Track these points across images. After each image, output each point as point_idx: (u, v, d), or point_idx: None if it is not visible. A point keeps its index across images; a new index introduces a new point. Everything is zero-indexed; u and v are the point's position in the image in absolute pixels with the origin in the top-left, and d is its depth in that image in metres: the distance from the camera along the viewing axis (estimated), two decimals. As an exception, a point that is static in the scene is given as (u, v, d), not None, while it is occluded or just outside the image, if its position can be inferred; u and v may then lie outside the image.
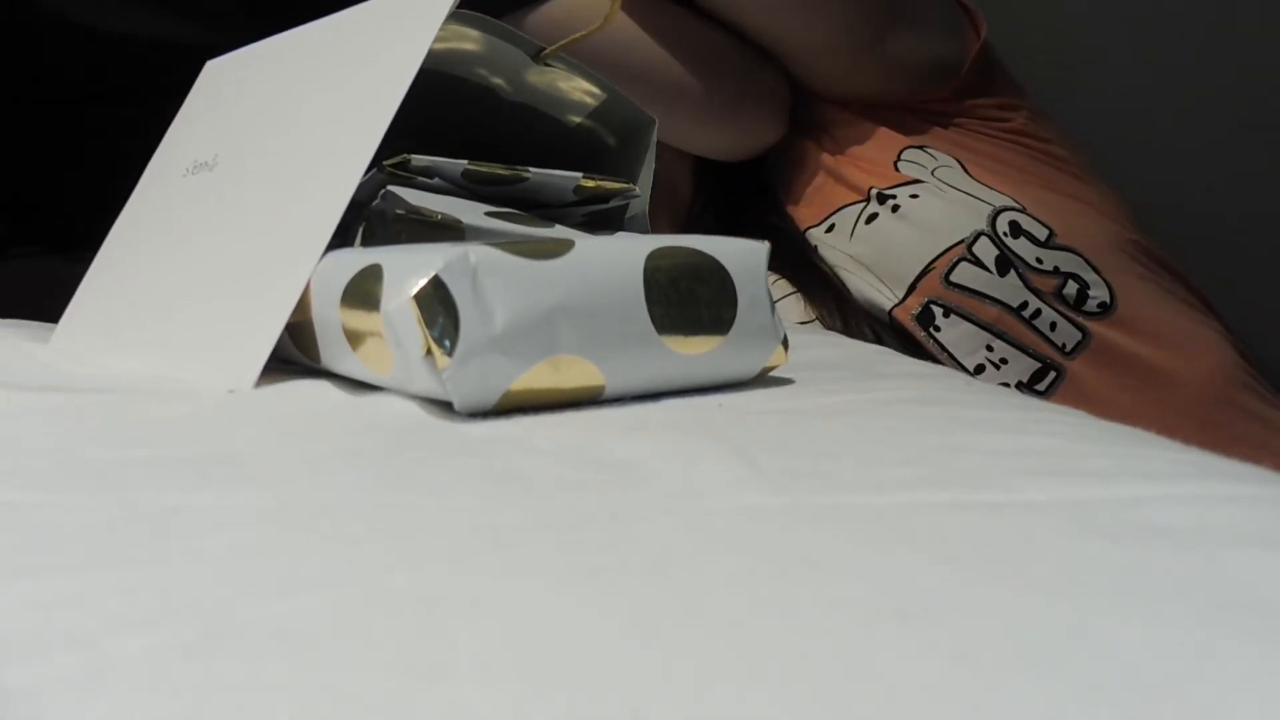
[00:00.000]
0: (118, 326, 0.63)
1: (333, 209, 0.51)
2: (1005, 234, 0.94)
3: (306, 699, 0.21)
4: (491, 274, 0.43)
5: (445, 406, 0.44)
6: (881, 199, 0.96)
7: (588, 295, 0.45)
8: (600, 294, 0.45)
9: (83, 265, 0.70)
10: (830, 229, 0.99)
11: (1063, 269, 0.94)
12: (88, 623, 0.24)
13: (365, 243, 0.56)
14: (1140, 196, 1.09)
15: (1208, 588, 0.25)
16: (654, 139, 0.67)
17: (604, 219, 0.65)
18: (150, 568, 0.27)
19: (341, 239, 0.55)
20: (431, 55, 0.53)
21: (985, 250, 0.92)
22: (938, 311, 0.92)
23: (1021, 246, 0.94)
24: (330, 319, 0.48)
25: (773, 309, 0.51)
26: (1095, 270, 0.94)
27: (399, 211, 0.55)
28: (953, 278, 0.92)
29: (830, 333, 0.96)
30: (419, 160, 0.56)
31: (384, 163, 0.56)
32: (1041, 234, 0.95)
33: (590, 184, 0.61)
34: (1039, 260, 0.94)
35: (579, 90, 0.67)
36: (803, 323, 0.99)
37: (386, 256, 0.45)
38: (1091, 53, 1.35)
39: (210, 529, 0.30)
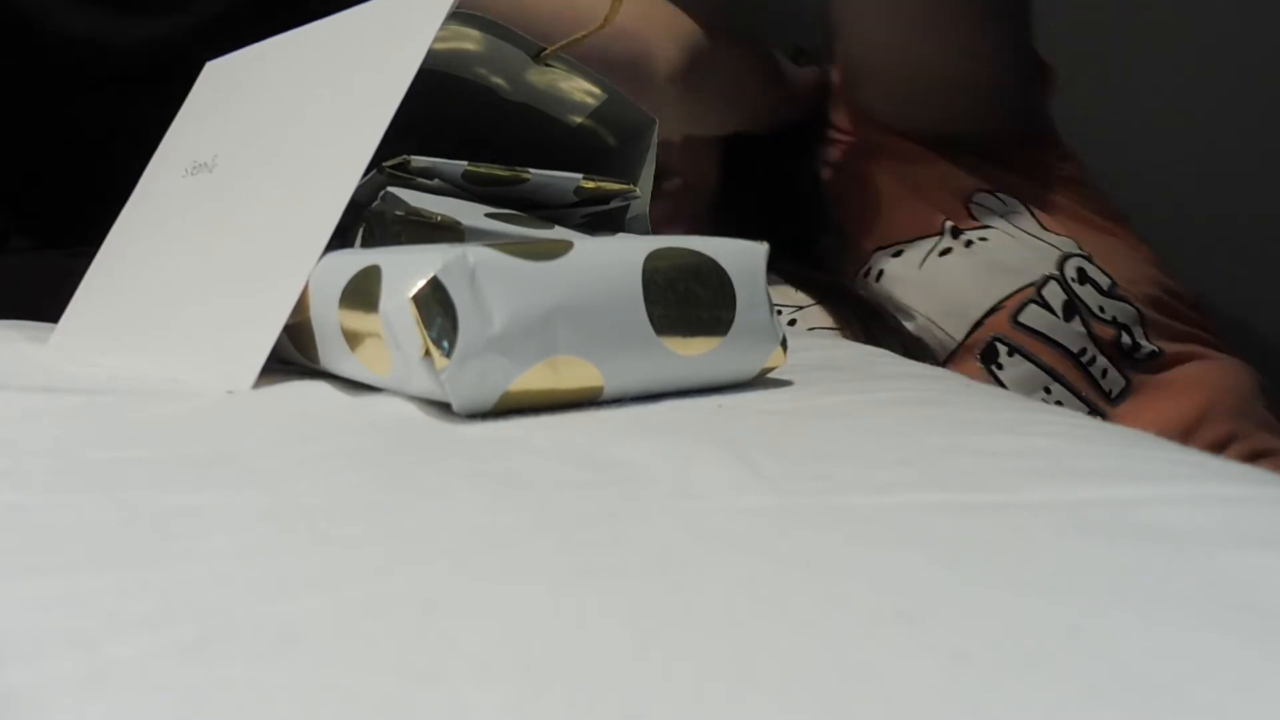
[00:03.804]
0: (116, 327, 0.63)
1: (332, 210, 0.51)
2: (1073, 279, 0.95)
3: (306, 699, 0.21)
4: (490, 275, 0.43)
5: (444, 407, 0.44)
6: (956, 234, 0.97)
7: (586, 296, 0.45)
8: (599, 295, 0.45)
9: (81, 263, 0.70)
10: (898, 254, 0.99)
11: (1120, 320, 0.95)
12: (87, 623, 0.24)
13: (364, 244, 0.56)
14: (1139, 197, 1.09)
15: (1207, 588, 0.25)
16: (654, 139, 0.67)
17: (605, 220, 0.65)
18: (149, 568, 0.27)
19: (341, 240, 0.55)
20: (431, 55, 0.53)
21: (1054, 294, 0.94)
22: (1002, 350, 0.93)
23: (1087, 294, 0.95)
24: (329, 320, 0.48)
25: (772, 310, 0.51)
26: (1145, 323, 0.96)
27: (398, 213, 0.55)
28: (1021, 318, 0.94)
29: (830, 334, 0.96)
30: (418, 161, 0.56)
31: (383, 164, 0.56)
32: (1105, 283, 0.96)
33: (590, 185, 0.61)
34: (1101, 309, 0.95)
35: (579, 90, 0.67)
36: (822, 327, 0.99)
37: (385, 257, 0.45)
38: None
39: (210, 529, 0.30)
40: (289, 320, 0.49)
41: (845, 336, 0.96)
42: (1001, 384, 0.93)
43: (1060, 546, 0.28)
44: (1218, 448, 0.91)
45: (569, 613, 0.25)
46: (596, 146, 0.70)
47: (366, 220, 0.56)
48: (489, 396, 0.43)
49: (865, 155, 1.06)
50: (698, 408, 0.47)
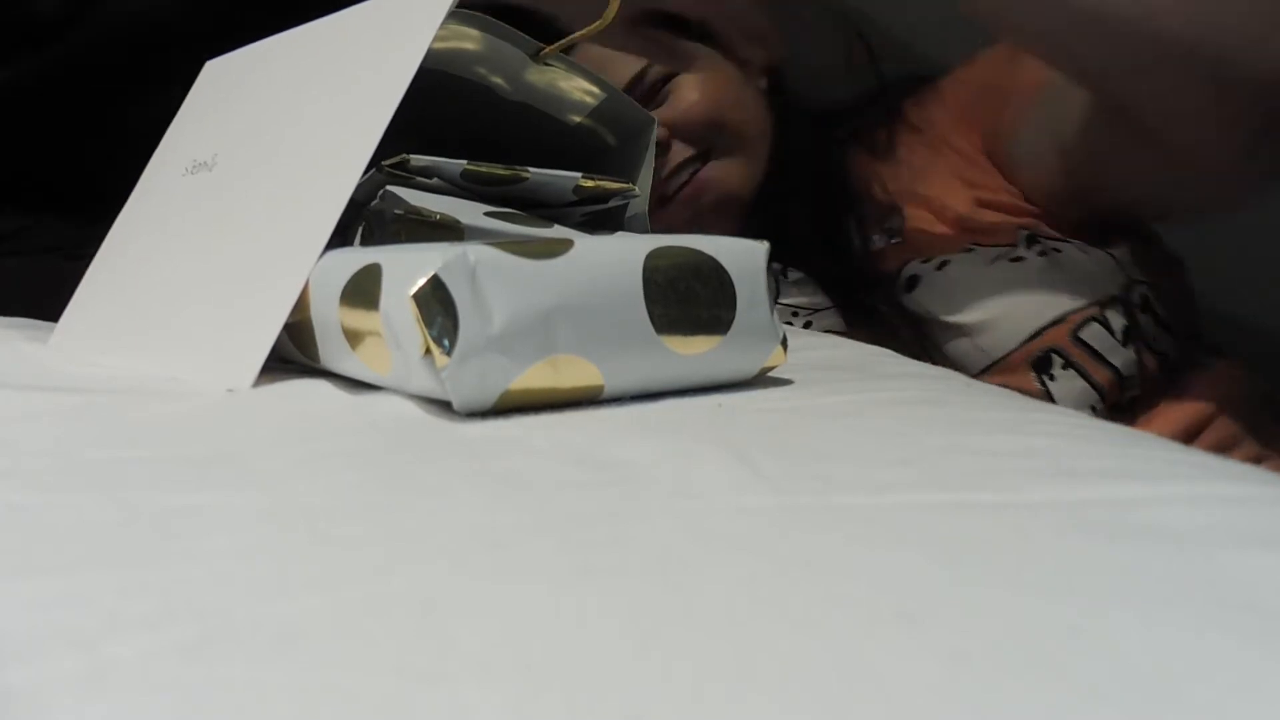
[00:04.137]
0: (116, 326, 0.63)
1: (332, 208, 0.51)
2: (1137, 306, 0.95)
3: (306, 699, 0.21)
4: (490, 273, 0.43)
5: (444, 406, 0.44)
6: (1031, 242, 0.97)
7: (587, 295, 0.45)
8: (599, 293, 0.45)
9: (81, 265, 0.70)
10: (943, 265, 0.98)
11: (1168, 355, 0.96)
12: (87, 623, 0.24)
13: (364, 242, 0.56)
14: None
15: (1207, 588, 0.25)
16: (653, 138, 0.67)
17: (604, 219, 0.65)
18: (149, 568, 0.27)
19: (340, 239, 0.55)
20: (431, 54, 0.53)
21: (1116, 317, 0.94)
22: (1057, 361, 0.93)
23: (1146, 322, 0.96)
24: (329, 318, 0.48)
25: (772, 309, 0.51)
26: (1184, 360, 0.97)
27: (398, 211, 0.55)
28: (1081, 334, 0.94)
29: (830, 334, 0.96)
30: (418, 160, 0.56)
31: (383, 163, 0.56)
32: (1163, 315, 0.97)
33: (590, 184, 0.61)
34: (1155, 340, 0.96)
35: (578, 89, 0.67)
36: (835, 332, 0.99)
37: (386, 256, 0.45)
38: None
39: (209, 529, 0.30)
40: (289, 319, 0.49)
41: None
42: (1050, 396, 0.93)
43: (1060, 546, 0.28)
44: (1220, 449, 0.91)
45: (569, 613, 0.25)
46: (596, 145, 0.70)
47: (366, 219, 0.56)
48: (489, 395, 0.43)
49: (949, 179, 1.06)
50: (698, 407, 0.47)
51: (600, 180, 0.61)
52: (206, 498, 0.33)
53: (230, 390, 0.48)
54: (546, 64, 0.64)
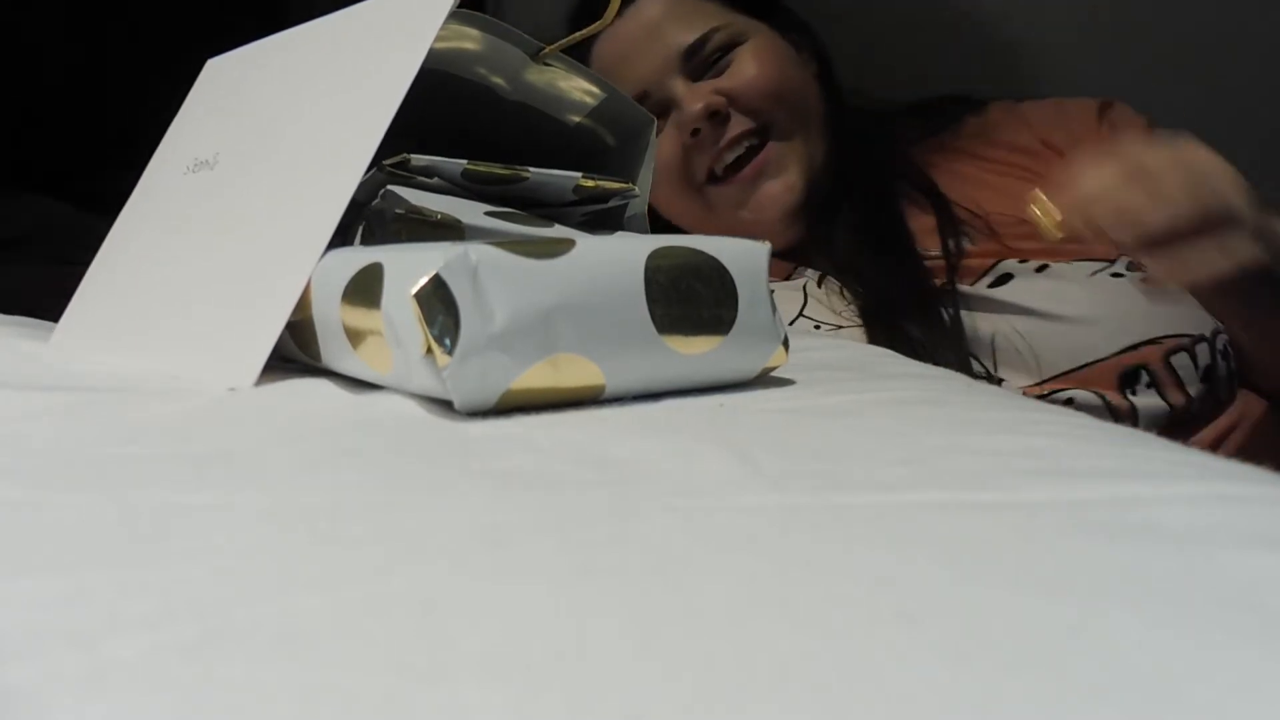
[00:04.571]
0: (118, 325, 0.63)
1: (333, 208, 0.51)
2: (1220, 351, 0.97)
3: (306, 699, 0.21)
4: (492, 273, 0.43)
5: (445, 405, 0.44)
6: (1130, 267, 0.98)
7: (588, 294, 0.45)
8: (600, 293, 0.45)
9: (82, 269, 0.70)
10: (1042, 268, 0.98)
11: (1224, 404, 0.98)
12: (87, 622, 0.24)
13: (364, 242, 0.56)
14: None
15: (1208, 588, 0.25)
16: (653, 138, 0.67)
17: (603, 219, 0.65)
18: (150, 567, 0.27)
19: (341, 238, 0.55)
20: (432, 54, 0.53)
21: (1203, 355, 0.96)
22: (1144, 378, 0.94)
23: (1222, 369, 0.97)
24: (331, 317, 0.48)
25: (774, 309, 0.51)
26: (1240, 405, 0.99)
27: (398, 211, 0.55)
28: (1172, 359, 0.95)
29: (832, 335, 0.96)
30: (418, 160, 0.56)
31: (384, 162, 0.56)
32: (1234, 368, 0.99)
33: (589, 184, 0.61)
34: (1224, 389, 0.98)
35: (578, 89, 0.67)
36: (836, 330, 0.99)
37: (387, 255, 0.45)
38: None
39: (210, 528, 0.30)
40: (291, 318, 0.49)
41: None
42: (1134, 410, 0.94)
43: (1060, 546, 0.28)
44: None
45: (569, 613, 0.25)
46: (595, 145, 0.70)
47: (367, 218, 0.56)
48: (490, 394, 0.43)
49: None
50: (699, 407, 0.47)
51: (600, 180, 0.61)
52: (207, 497, 0.33)
53: (232, 389, 0.48)
54: (546, 64, 0.64)
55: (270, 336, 0.49)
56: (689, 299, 0.48)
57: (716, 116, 1.03)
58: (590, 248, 0.46)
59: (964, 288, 0.99)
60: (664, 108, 1.05)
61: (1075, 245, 0.99)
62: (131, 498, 0.33)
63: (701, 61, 1.04)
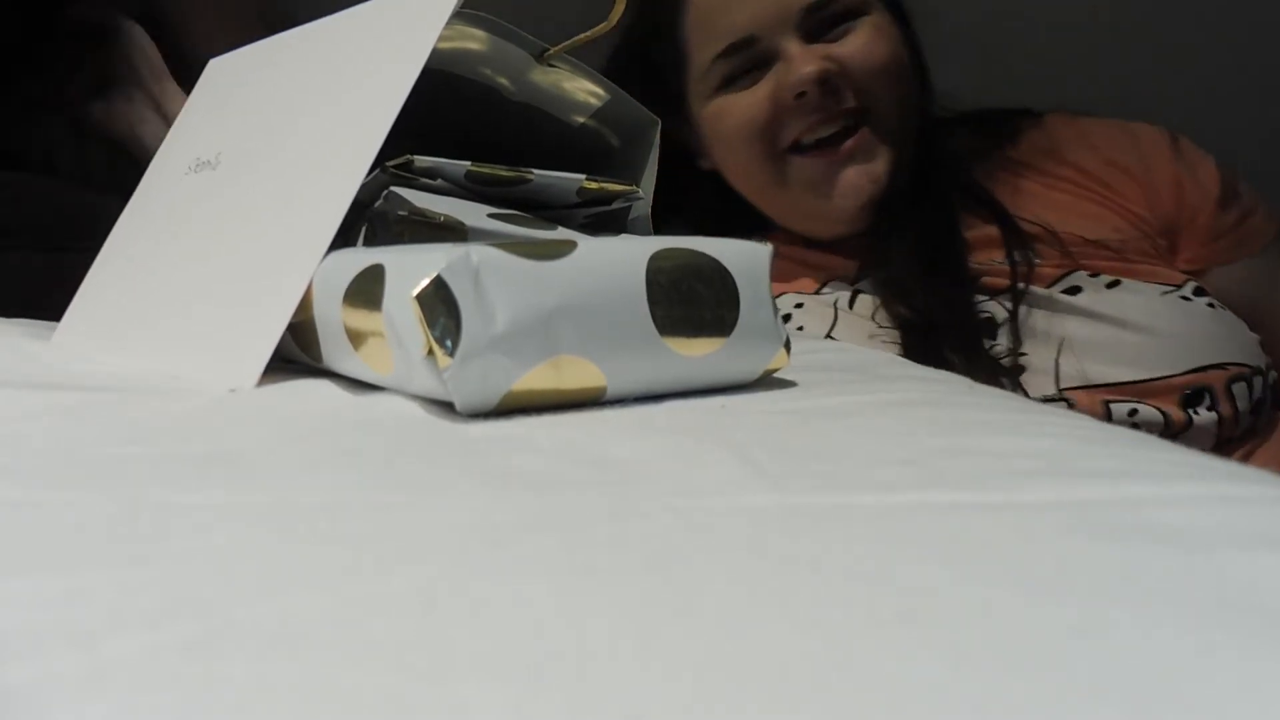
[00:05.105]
0: (119, 325, 0.63)
1: (336, 209, 0.51)
2: (1270, 385, 0.99)
3: (306, 698, 0.21)
4: (493, 274, 0.43)
5: (446, 406, 0.44)
6: (1200, 293, 0.99)
7: (589, 296, 0.45)
8: (602, 295, 0.45)
9: (86, 259, 0.70)
10: (1114, 284, 0.98)
11: (1261, 439, 0.99)
12: (88, 621, 0.24)
13: (367, 243, 0.56)
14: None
15: (1208, 588, 0.25)
16: (657, 139, 0.67)
17: (607, 221, 0.65)
18: (150, 566, 0.27)
19: (343, 239, 0.55)
20: (436, 55, 0.53)
21: (1258, 385, 0.97)
22: (1205, 400, 0.95)
23: (1268, 402, 0.99)
24: (332, 319, 0.48)
25: (775, 311, 0.51)
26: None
27: (401, 213, 0.55)
28: (1233, 387, 0.96)
29: (832, 339, 0.96)
30: (422, 161, 0.56)
31: (387, 164, 0.56)
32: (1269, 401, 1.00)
33: (593, 186, 0.61)
34: (1266, 422, 0.99)
35: (583, 90, 0.67)
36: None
37: (389, 256, 0.45)
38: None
39: (211, 528, 0.30)
40: (293, 319, 0.49)
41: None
42: (1190, 424, 0.95)
43: (1061, 546, 0.28)
44: None
45: (569, 613, 0.25)
46: (599, 146, 0.70)
47: (369, 220, 0.57)
48: (492, 396, 0.43)
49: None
50: (701, 408, 0.47)
51: (604, 182, 0.61)
52: (207, 496, 0.33)
53: (233, 389, 0.48)
54: (551, 65, 0.65)
55: (272, 337, 0.49)
56: (690, 300, 0.48)
57: (827, 85, 0.97)
58: (592, 249, 0.46)
59: (1035, 288, 0.98)
60: (765, 60, 1.00)
61: (1148, 266, 1.00)
62: (131, 498, 0.33)
63: (821, 22, 0.99)
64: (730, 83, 1.02)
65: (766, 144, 1.01)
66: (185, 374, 0.52)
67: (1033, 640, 0.23)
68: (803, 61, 0.97)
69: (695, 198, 1.10)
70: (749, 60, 1.00)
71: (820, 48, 0.98)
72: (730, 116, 1.02)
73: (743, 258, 0.50)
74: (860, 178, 1.00)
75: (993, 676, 0.21)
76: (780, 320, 0.51)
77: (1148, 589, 0.25)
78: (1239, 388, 0.96)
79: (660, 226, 0.65)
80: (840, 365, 0.61)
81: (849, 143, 0.99)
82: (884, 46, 1.00)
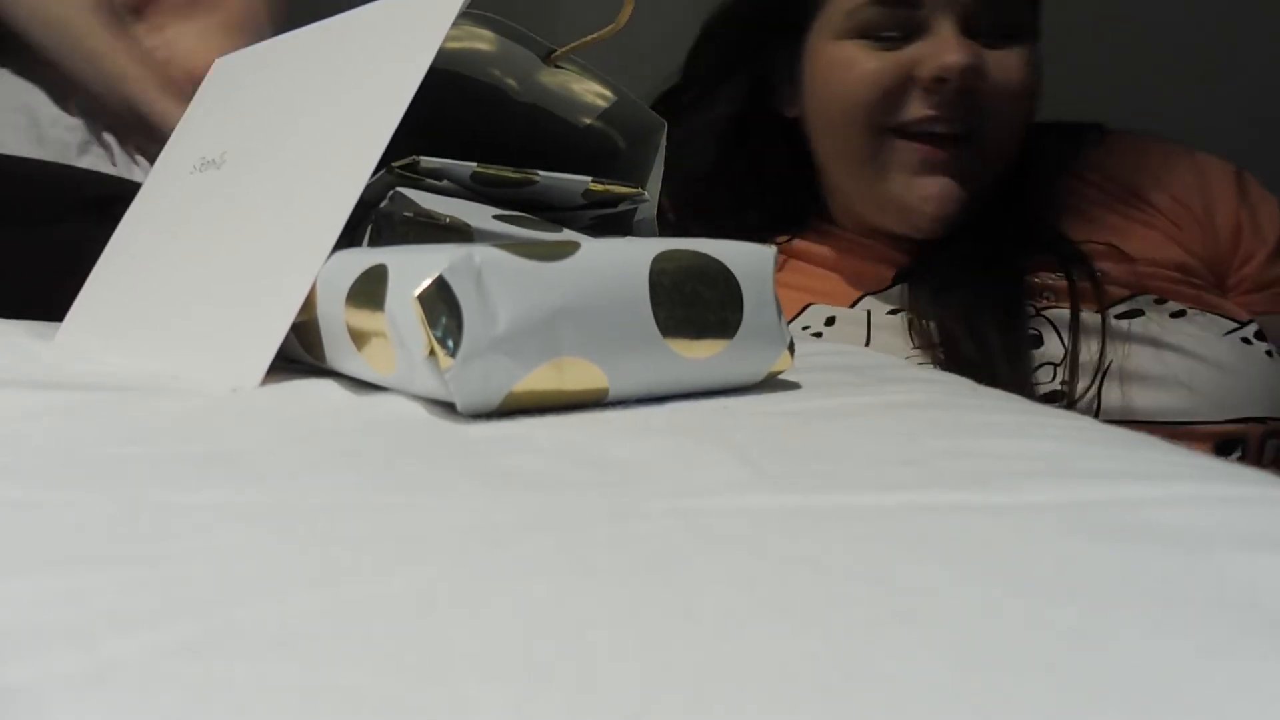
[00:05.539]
0: (123, 324, 0.63)
1: (340, 209, 0.51)
2: None
3: (306, 698, 0.21)
4: (496, 275, 0.43)
5: (448, 407, 0.44)
6: (1260, 337, 0.96)
7: (592, 297, 0.45)
8: (605, 296, 0.45)
9: (95, 248, 0.70)
10: (1179, 314, 0.96)
11: None
12: (88, 621, 0.24)
13: (371, 243, 0.56)
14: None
15: (1208, 588, 0.25)
16: (663, 141, 0.67)
17: (613, 223, 0.65)
18: (151, 566, 0.27)
19: (348, 239, 0.55)
20: (443, 54, 0.53)
21: None
22: (1238, 451, 0.94)
23: None
24: (335, 318, 0.48)
25: (779, 313, 0.51)
26: None
27: (406, 214, 0.55)
28: (1269, 442, 0.95)
29: (836, 341, 0.96)
30: (428, 162, 0.56)
31: (392, 164, 0.56)
32: None
33: (599, 188, 0.61)
34: None
35: (590, 92, 0.67)
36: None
37: (392, 257, 0.45)
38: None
39: (211, 528, 0.30)
40: (295, 318, 0.49)
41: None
42: None
43: (1061, 547, 0.28)
44: None
45: (569, 613, 0.25)
46: (606, 148, 0.70)
47: (374, 220, 0.57)
48: (493, 397, 0.43)
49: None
50: (703, 409, 0.47)
51: (610, 184, 0.61)
52: (208, 496, 0.33)
53: (236, 389, 0.48)
54: (558, 66, 0.65)
55: (275, 337, 0.49)
56: (693, 302, 0.48)
57: (966, 83, 0.93)
58: (594, 250, 0.46)
59: (1086, 311, 0.94)
60: (915, 27, 0.94)
61: (1215, 298, 0.98)
62: (134, 496, 0.33)
63: (986, 22, 0.94)
64: (866, 33, 0.96)
65: (877, 112, 0.96)
66: (188, 374, 0.52)
67: (1033, 640, 0.23)
68: (957, 48, 0.92)
69: (753, 147, 1.06)
70: (899, 20, 0.95)
71: (977, 45, 0.94)
72: (853, 68, 0.96)
73: (747, 260, 0.50)
74: (949, 190, 0.97)
75: (993, 677, 0.21)
76: (784, 322, 0.51)
77: (1148, 589, 0.25)
78: (1272, 444, 0.94)
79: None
80: (843, 367, 0.61)
81: (956, 150, 0.96)
82: (1028, 80, 0.97)
